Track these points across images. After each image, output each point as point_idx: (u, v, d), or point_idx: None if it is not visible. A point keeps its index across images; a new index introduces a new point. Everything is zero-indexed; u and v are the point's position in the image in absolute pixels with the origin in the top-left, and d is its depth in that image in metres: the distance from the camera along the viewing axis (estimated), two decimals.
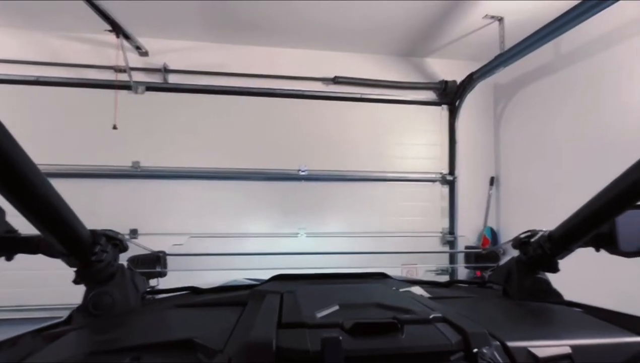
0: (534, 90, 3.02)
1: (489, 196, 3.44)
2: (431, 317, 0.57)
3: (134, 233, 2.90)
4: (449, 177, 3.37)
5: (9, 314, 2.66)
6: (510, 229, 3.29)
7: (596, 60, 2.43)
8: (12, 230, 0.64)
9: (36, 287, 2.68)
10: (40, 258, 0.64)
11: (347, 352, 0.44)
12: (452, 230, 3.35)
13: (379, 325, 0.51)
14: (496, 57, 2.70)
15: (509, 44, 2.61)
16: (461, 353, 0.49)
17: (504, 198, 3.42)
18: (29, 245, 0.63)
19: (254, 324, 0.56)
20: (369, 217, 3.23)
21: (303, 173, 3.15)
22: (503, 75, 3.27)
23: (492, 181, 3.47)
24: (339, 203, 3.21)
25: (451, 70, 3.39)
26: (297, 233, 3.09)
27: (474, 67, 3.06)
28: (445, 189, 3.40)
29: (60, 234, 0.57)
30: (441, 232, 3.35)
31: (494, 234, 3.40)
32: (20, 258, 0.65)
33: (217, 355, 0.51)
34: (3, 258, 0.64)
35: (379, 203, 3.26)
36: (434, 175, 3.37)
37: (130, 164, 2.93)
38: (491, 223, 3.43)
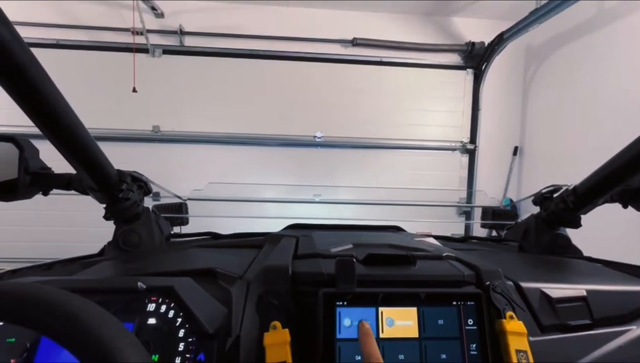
0: (571, 51, 2.78)
1: (511, 166, 3.32)
2: (444, 254, 0.57)
3: (156, 196, 3.02)
4: (470, 146, 3.25)
5: None
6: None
7: None
8: (46, 168, 0.68)
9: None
10: None
11: (359, 276, 0.46)
12: (469, 200, 3.29)
13: (392, 257, 0.52)
14: (531, 13, 2.47)
15: None
16: (472, 286, 0.50)
17: (527, 170, 3.29)
18: (62, 181, 0.67)
19: (271, 256, 0.58)
20: (385, 185, 3.21)
21: (319, 139, 3.12)
22: (536, 35, 3.01)
23: (516, 151, 3.33)
24: (355, 171, 3.20)
25: (479, 31, 3.15)
26: (312, 200, 3.13)
27: (504, 27, 2.83)
28: (465, 158, 3.30)
29: (90, 168, 0.60)
30: (458, 202, 3.30)
31: (513, 206, 3.32)
32: None
33: (237, 281, 0.54)
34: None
35: (395, 171, 3.22)
36: (454, 144, 3.26)
37: (150, 128, 3.00)
38: (511, 195, 3.34)
